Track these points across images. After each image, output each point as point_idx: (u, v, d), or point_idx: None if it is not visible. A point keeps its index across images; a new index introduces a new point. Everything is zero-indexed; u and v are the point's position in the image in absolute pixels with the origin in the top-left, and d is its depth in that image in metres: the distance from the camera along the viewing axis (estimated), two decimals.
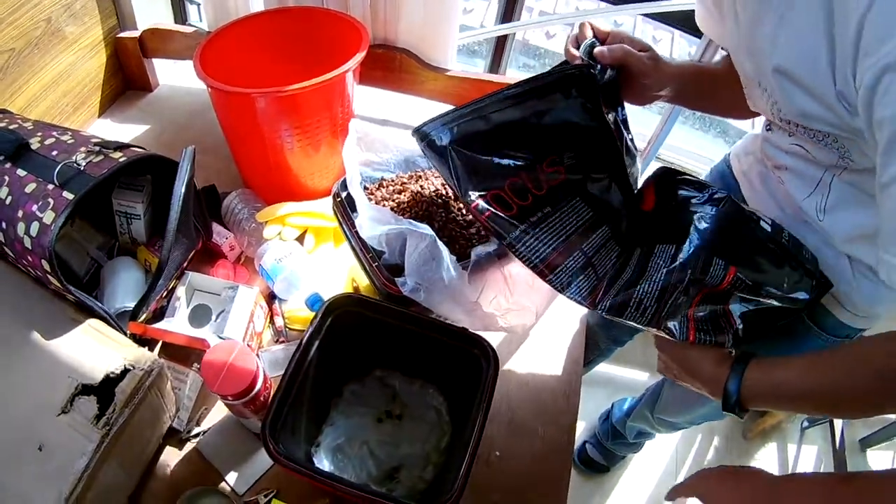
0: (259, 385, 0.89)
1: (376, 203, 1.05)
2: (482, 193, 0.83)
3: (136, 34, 1.64)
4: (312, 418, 0.98)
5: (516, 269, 1.00)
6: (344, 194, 1.07)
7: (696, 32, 1.15)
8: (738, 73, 0.92)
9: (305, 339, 0.90)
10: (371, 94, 1.60)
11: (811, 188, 0.91)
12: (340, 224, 1.07)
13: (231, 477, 0.98)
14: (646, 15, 1.99)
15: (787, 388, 0.79)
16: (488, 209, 0.82)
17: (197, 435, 1.02)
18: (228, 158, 1.35)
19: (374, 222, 0.92)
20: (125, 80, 1.77)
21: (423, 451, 0.99)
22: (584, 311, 1.23)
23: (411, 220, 0.90)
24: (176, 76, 1.84)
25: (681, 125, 2.28)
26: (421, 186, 1.07)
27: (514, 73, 1.81)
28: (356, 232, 0.99)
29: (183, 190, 1.03)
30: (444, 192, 1.08)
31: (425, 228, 0.88)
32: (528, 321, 1.01)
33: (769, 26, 0.77)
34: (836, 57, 0.68)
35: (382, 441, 1.00)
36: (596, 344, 1.79)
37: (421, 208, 1.04)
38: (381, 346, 1.00)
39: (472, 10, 3.24)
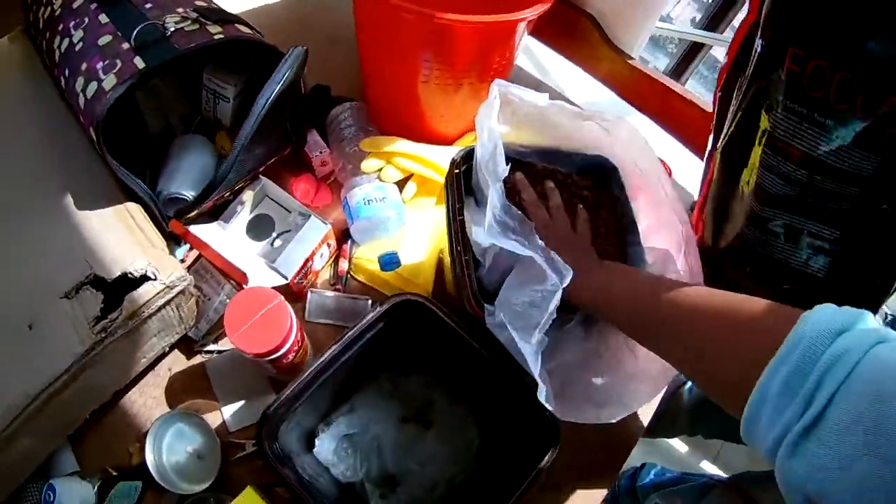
0: (286, 348, 0.77)
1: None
2: None
3: None
4: (333, 396, 0.88)
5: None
6: (464, 167, 0.88)
7: None
8: None
9: (355, 333, 0.79)
10: (536, 48, 1.41)
11: None
12: (447, 201, 0.87)
13: (227, 409, 0.90)
14: None
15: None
16: None
17: (210, 352, 0.94)
18: (356, 61, 1.17)
19: (497, 228, 0.73)
20: None
21: (435, 474, 0.89)
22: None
23: (552, 254, 0.71)
24: None
25: None
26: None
27: (694, 84, 1.61)
28: (462, 221, 0.82)
29: (273, 95, 0.88)
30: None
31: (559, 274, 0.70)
32: (648, 398, 0.79)
33: None
34: None
35: (398, 444, 0.90)
36: (672, 422, 1.66)
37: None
38: (435, 356, 0.88)
39: None
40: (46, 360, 0.73)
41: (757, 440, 0.48)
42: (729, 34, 1.55)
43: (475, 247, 0.78)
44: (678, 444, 2.19)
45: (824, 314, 0.48)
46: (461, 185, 0.86)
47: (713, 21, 1.52)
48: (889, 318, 1.11)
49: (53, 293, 0.77)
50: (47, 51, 0.93)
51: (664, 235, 0.83)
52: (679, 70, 1.65)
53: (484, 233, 0.71)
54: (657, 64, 1.87)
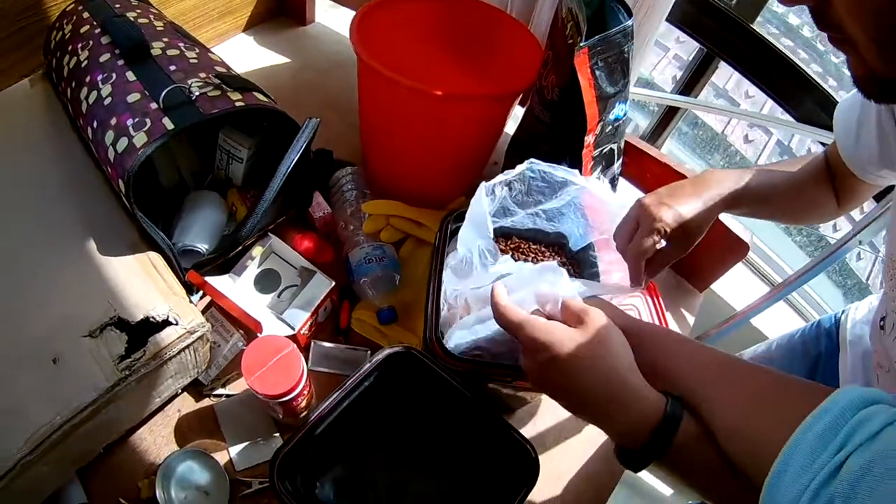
0: (297, 392, 0.85)
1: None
2: None
3: None
4: (335, 441, 0.92)
5: None
6: (453, 227, 0.99)
7: None
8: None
9: (354, 382, 0.85)
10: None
11: None
12: (434, 250, 0.98)
13: (234, 449, 0.96)
14: None
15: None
16: None
17: (219, 396, 1.00)
18: (354, 127, 1.29)
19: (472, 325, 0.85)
20: (282, 4, 1.75)
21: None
22: None
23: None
24: (334, 18, 1.81)
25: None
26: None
27: (672, 144, 1.73)
28: (440, 271, 0.93)
29: (293, 161, 0.98)
30: None
31: None
32: None
33: None
34: None
35: (392, 486, 0.95)
36: None
37: None
38: (427, 402, 0.94)
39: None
40: (72, 392, 0.78)
41: (780, 491, 0.50)
42: (706, 95, 1.68)
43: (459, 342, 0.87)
44: (662, 487, 2.24)
45: (855, 389, 0.51)
46: (446, 242, 0.97)
47: (689, 85, 1.64)
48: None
49: (77, 331, 0.83)
50: (72, 99, 1.01)
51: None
52: (659, 129, 1.76)
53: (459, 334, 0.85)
54: (640, 122, 1.99)
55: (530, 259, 1.03)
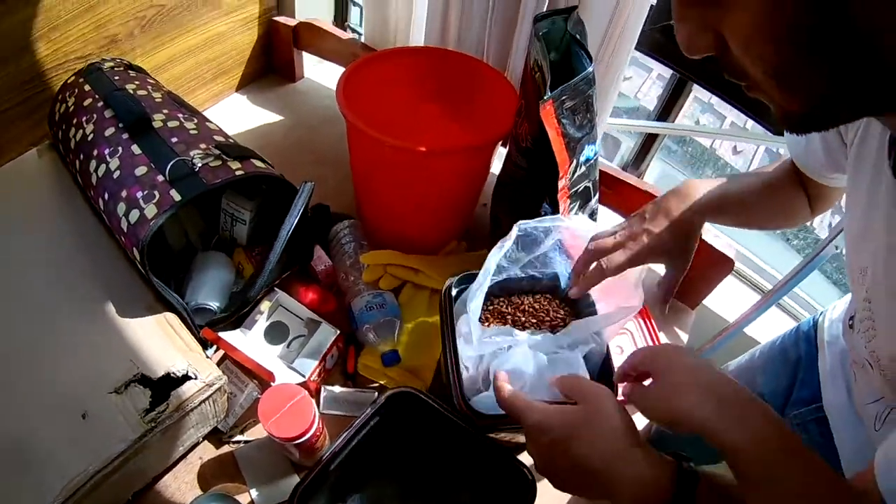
0: (310, 434, 0.91)
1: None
2: None
3: (292, 22, 1.71)
4: (347, 478, 0.98)
5: None
6: (455, 291, 1.05)
7: None
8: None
9: (361, 421, 0.91)
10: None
11: (876, 397, 0.88)
12: (441, 319, 1.02)
13: (255, 491, 1.00)
14: None
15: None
16: None
17: (238, 442, 1.05)
18: (347, 178, 1.37)
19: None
20: (270, 63, 1.83)
21: None
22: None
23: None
24: (322, 74, 1.89)
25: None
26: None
27: (653, 163, 1.78)
28: (453, 336, 0.98)
29: (293, 224, 1.06)
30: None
31: None
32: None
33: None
34: None
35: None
36: None
37: None
38: (431, 438, 1.00)
39: (629, 77, 3.26)
40: (103, 444, 0.84)
41: None
42: (693, 111, 1.71)
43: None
44: None
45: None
46: (452, 306, 1.01)
47: (668, 106, 1.68)
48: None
49: (104, 388, 0.89)
50: (81, 171, 1.09)
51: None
52: (643, 153, 1.79)
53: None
54: (631, 144, 2.04)
55: (527, 320, 1.07)
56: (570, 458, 0.69)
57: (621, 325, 1.00)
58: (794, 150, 1.00)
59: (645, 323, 1.20)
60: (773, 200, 1.05)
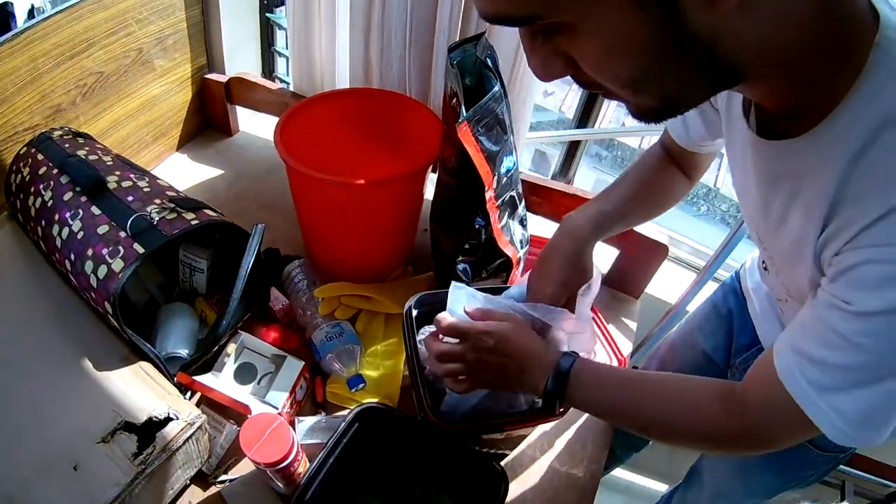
0: (291, 458, 0.97)
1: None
2: None
3: (223, 78, 1.77)
4: (328, 499, 1.03)
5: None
6: (415, 312, 1.14)
7: None
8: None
9: (335, 440, 1.00)
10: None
11: None
12: (405, 337, 1.11)
13: None
14: None
15: (609, 380, 0.91)
16: None
17: (223, 481, 1.10)
18: (294, 221, 1.44)
19: None
20: (207, 119, 1.90)
21: None
22: None
23: None
24: (257, 125, 1.97)
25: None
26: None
27: (586, 171, 1.87)
28: (416, 352, 1.07)
29: (251, 262, 1.14)
30: None
31: None
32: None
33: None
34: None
35: None
36: (612, 448, 1.80)
37: None
38: (403, 449, 1.08)
39: (552, 92, 3.36)
40: (98, 491, 0.90)
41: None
42: (617, 115, 1.76)
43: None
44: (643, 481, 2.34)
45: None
46: (413, 325, 1.11)
47: (586, 112, 1.79)
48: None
49: (91, 439, 0.94)
50: (44, 236, 1.14)
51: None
52: (568, 161, 1.90)
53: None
54: (555, 153, 2.10)
55: None
56: (502, 355, 0.94)
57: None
58: (675, 131, 1.08)
59: (595, 318, 1.25)
60: (653, 189, 1.13)
